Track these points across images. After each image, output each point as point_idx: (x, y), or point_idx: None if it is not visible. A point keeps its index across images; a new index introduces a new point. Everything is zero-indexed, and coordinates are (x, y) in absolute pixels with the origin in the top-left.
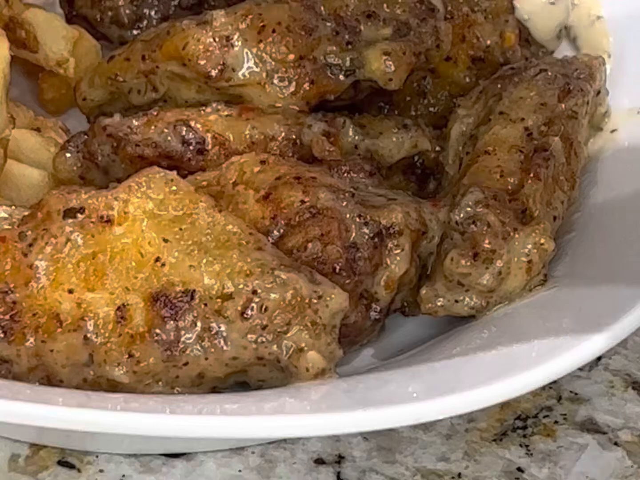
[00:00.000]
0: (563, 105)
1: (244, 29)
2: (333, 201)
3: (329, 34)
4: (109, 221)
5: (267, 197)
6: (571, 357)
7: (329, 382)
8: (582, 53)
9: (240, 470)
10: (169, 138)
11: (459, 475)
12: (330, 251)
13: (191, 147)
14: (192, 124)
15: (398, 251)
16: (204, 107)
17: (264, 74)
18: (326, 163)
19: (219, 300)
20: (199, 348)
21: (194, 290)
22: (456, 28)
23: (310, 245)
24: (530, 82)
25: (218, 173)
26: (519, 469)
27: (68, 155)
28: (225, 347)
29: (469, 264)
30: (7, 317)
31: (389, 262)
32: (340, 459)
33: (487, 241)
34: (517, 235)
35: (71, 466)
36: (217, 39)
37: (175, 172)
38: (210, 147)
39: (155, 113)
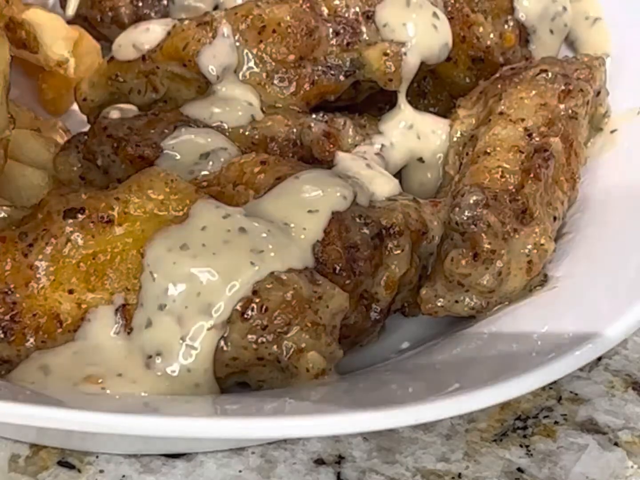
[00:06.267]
0: (563, 106)
1: (244, 29)
2: None
3: (330, 35)
4: (110, 221)
5: None
6: (571, 357)
7: (329, 382)
8: (582, 53)
9: (240, 471)
10: None
11: (459, 475)
12: (330, 251)
13: None
14: (193, 124)
15: (398, 252)
16: None
17: (264, 74)
18: (326, 163)
19: None
20: None
21: None
22: (456, 28)
23: None
24: (530, 82)
25: (218, 173)
26: (519, 469)
27: (68, 155)
28: (225, 348)
29: (469, 264)
30: (7, 317)
31: (389, 263)
32: (340, 459)
33: (487, 241)
34: (517, 236)
35: (71, 466)
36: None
37: (175, 172)
38: None
39: (155, 113)
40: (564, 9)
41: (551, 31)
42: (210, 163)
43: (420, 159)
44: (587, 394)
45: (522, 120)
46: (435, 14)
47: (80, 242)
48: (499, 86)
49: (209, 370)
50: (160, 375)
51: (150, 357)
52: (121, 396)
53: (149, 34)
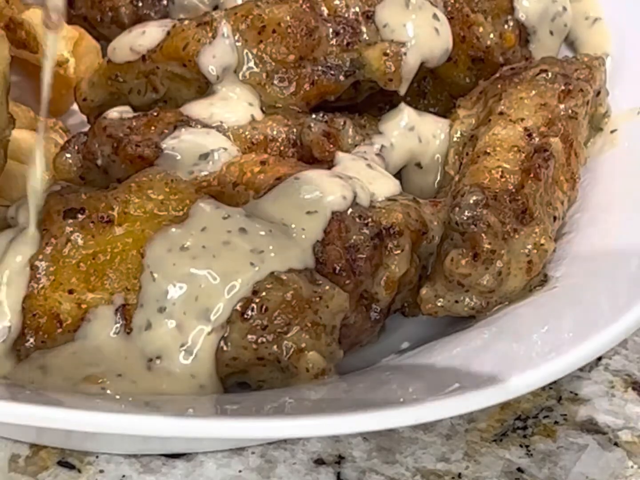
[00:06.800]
0: (563, 106)
1: (244, 30)
2: None
3: (329, 35)
4: (110, 221)
5: None
6: (571, 357)
7: (329, 382)
8: (582, 53)
9: (240, 471)
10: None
11: (459, 475)
12: (330, 251)
13: None
14: (193, 124)
15: (398, 252)
16: None
17: (264, 75)
18: (326, 163)
19: None
20: None
21: None
22: (456, 28)
23: None
24: (530, 82)
25: (218, 173)
26: (519, 469)
27: (68, 155)
28: (225, 348)
29: (469, 264)
30: None
31: (389, 263)
32: (340, 459)
33: (487, 241)
34: (517, 236)
35: (71, 466)
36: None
37: (175, 172)
38: None
39: (155, 113)
40: (564, 9)
41: (551, 31)
42: (210, 163)
43: (419, 165)
44: (587, 394)
45: (522, 120)
46: (435, 16)
47: (80, 242)
48: (499, 86)
49: (213, 374)
50: (161, 377)
51: (151, 360)
52: (121, 396)
53: (145, 36)
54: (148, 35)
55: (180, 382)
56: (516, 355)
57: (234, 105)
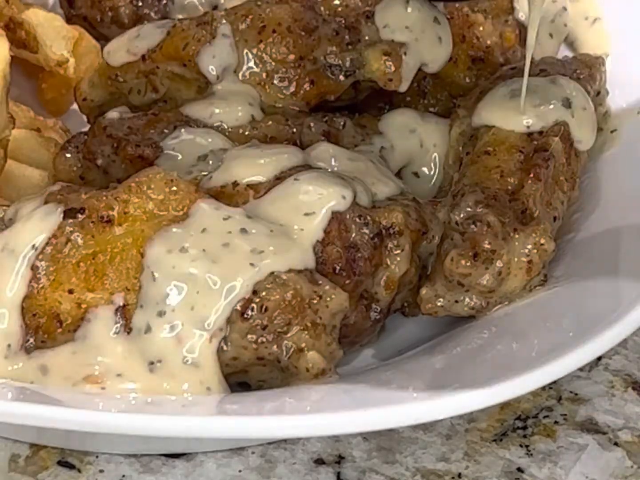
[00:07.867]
0: None
1: (244, 29)
2: None
3: (329, 34)
4: (109, 221)
5: None
6: (571, 357)
7: (329, 382)
8: (581, 53)
9: (240, 471)
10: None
11: (459, 475)
12: (330, 251)
13: None
14: (193, 124)
15: (398, 251)
16: None
17: (264, 74)
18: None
19: None
20: None
21: None
22: (456, 28)
23: None
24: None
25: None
26: (519, 469)
27: (68, 155)
28: (225, 348)
29: (469, 264)
30: None
31: (389, 263)
32: (340, 459)
33: (487, 241)
34: (517, 236)
35: (71, 466)
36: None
37: (175, 172)
38: None
39: (155, 113)
40: (564, 9)
41: (550, 32)
42: (210, 163)
43: (416, 174)
44: (587, 394)
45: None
46: (436, 19)
47: (80, 242)
48: None
49: (220, 377)
50: (164, 379)
51: (152, 363)
52: (121, 396)
53: (141, 37)
54: (144, 36)
55: (185, 384)
56: (516, 355)
57: (234, 106)
